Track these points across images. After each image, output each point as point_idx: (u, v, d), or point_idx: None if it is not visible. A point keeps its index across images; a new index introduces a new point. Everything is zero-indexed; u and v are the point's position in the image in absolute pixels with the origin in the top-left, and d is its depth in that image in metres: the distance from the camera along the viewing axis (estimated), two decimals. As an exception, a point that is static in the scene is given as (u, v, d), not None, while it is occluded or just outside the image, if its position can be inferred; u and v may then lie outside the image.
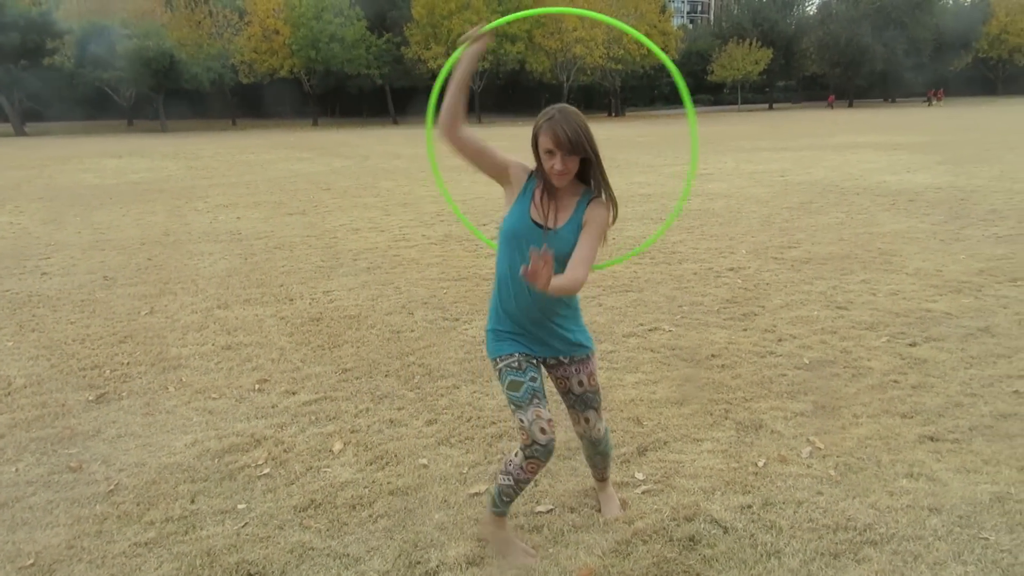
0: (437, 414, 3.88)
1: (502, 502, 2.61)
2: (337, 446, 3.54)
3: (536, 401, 2.43)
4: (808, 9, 70.68)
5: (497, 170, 2.51)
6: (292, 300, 6.19)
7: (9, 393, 4.30)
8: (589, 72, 56.09)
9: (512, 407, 2.46)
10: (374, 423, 3.79)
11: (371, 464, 3.36)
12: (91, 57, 42.77)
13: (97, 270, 7.48)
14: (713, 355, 4.65)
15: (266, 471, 3.32)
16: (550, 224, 2.42)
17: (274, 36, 51.26)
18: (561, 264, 2.37)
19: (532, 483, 2.70)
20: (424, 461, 3.36)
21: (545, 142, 2.34)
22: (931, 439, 3.46)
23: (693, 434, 3.58)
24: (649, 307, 5.76)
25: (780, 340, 4.92)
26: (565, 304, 2.54)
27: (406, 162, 20.08)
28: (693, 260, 7.37)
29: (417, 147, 26.02)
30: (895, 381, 4.17)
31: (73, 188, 15.13)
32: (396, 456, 3.43)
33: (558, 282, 2.24)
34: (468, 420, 3.78)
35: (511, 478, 2.52)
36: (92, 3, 50.52)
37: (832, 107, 61.43)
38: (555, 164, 2.34)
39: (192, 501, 3.09)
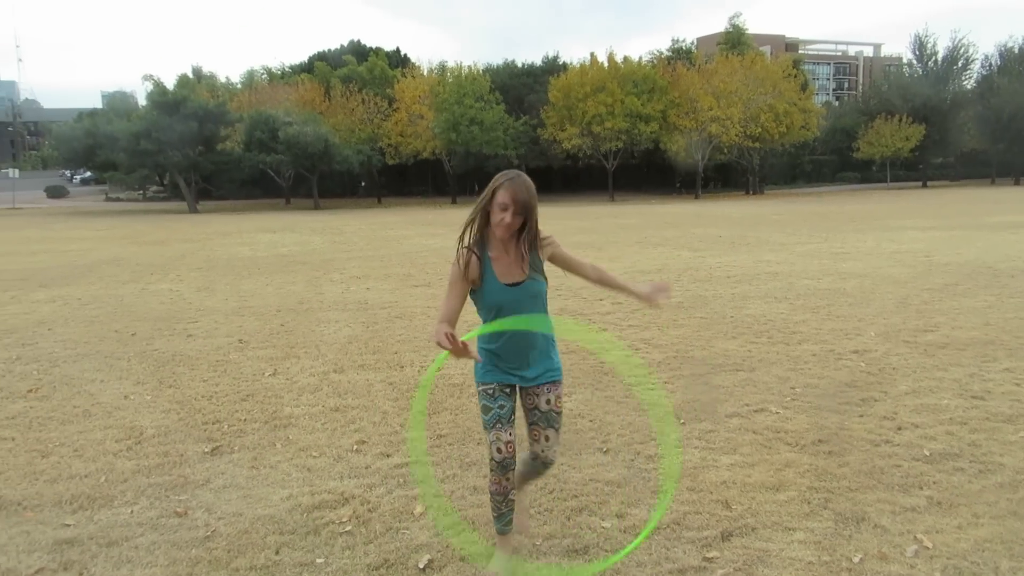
0: (521, 484, 3.86)
1: (495, 519, 2.95)
2: (419, 509, 3.60)
3: (499, 425, 2.80)
4: (965, 83, 66.85)
5: (467, 288, 2.84)
6: (403, 367, 6.42)
7: (139, 442, 4.69)
8: (725, 151, 55.51)
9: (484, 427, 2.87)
10: (458, 489, 3.83)
11: (449, 529, 3.39)
12: (257, 142, 47.18)
13: (235, 334, 8.08)
14: (820, 440, 4.38)
15: (348, 528, 3.42)
16: (518, 278, 2.81)
17: (419, 120, 54.56)
18: (540, 298, 2.86)
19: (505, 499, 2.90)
20: (500, 530, 3.35)
21: (504, 196, 2.71)
22: (1064, 546, 3.08)
23: (785, 522, 3.36)
24: (759, 387, 5.52)
25: (900, 428, 4.57)
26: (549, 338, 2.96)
27: (534, 238, 20.48)
28: (814, 341, 7.02)
29: (543, 223, 26.41)
30: (1029, 479, 3.76)
31: (229, 259, 16.51)
32: (473, 523, 3.44)
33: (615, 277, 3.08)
34: (551, 492, 3.75)
35: (489, 493, 2.92)
36: (261, 95, 56.05)
37: None
38: (506, 217, 2.71)
39: (277, 552, 3.23)
